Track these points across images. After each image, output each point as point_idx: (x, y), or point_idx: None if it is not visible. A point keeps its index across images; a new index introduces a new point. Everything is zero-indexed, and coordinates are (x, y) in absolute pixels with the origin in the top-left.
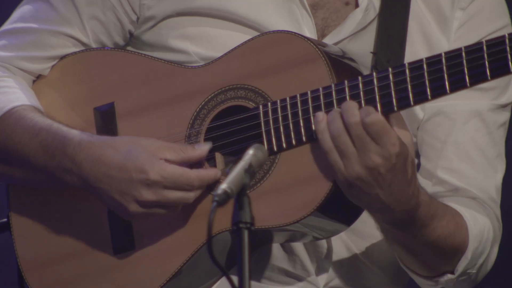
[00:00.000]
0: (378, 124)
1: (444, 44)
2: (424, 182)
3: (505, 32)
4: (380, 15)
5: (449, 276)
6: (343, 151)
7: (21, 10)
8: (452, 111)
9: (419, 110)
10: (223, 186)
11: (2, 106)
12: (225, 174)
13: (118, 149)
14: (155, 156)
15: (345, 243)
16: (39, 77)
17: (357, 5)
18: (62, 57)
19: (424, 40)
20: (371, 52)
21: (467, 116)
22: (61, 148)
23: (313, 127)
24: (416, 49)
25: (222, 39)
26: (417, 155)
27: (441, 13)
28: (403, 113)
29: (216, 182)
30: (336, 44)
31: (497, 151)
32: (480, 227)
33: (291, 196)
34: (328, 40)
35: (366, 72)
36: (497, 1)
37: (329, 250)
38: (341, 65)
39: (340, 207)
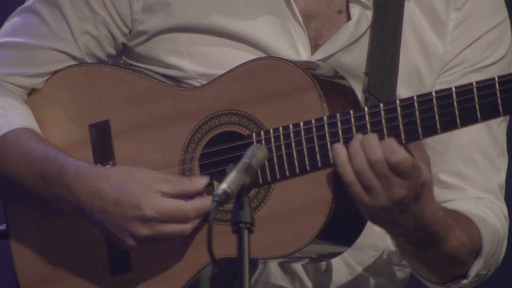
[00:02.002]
0: (405, 163)
1: (439, 48)
2: None
3: (502, 28)
4: (372, 26)
5: (463, 281)
6: (368, 186)
7: (12, 23)
8: None
9: None
10: (223, 186)
11: None
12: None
13: (113, 182)
14: (150, 189)
15: (343, 258)
16: (33, 90)
17: (349, 14)
18: (57, 71)
19: (419, 45)
20: (364, 73)
21: None
22: (58, 178)
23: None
24: (411, 54)
25: (215, 55)
26: None
27: (436, 16)
28: None
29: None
30: (329, 57)
31: (499, 148)
32: (491, 231)
33: (287, 227)
34: (321, 53)
35: (358, 87)
36: None
37: (328, 266)
38: (332, 90)
39: (337, 233)
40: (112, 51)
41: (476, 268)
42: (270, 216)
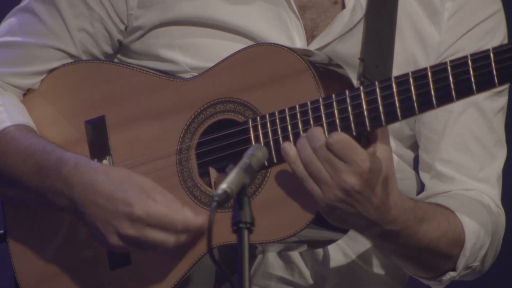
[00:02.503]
0: (341, 142)
1: (435, 37)
2: (423, 174)
3: (497, 18)
4: (367, 15)
5: (451, 274)
6: (317, 177)
7: (9, 23)
8: None
9: None
10: (223, 186)
11: None
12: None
13: (112, 178)
14: (145, 193)
15: (341, 248)
16: (29, 90)
17: (344, 4)
18: (52, 70)
19: (415, 34)
20: (359, 58)
21: (463, 106)
22: (55, 169)
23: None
24: (407, 44)
25: (210, 48)
26: (415, 147)
27: (431, 5)
28: None
29: (208, 197)
30: (324, 46)
31: (496, 138)
32: (477, 222)
33: (284, 211)
34: (317, 43)
35: (354, 76)
36: None
37: (326, 256)
38: (328, 76)
39: None
40: (108, 49)
41: (462, 260)
42: (267, 201)
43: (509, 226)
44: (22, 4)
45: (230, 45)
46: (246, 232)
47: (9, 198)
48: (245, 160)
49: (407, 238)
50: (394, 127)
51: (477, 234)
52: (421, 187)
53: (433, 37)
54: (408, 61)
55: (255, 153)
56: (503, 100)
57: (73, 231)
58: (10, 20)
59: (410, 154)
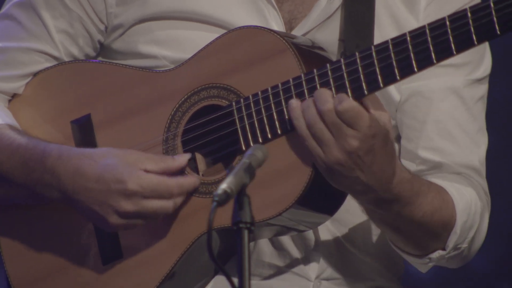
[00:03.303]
0: (352, 111)
1: (413, 24)
2: (407, 163)
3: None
4: (344, 3)
5: (440, 252)
6: (320, 138)
7: None
8: (428, 90)
9: (395, 92)
10: (223, 186)
11: None
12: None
13: (97, 160)
14: (134, 166)
15: (332, 233)
16: (14, 96)
17: None
18: (35, 74)
19: (392, 22)
20: (339, 40)
21: (443, 94)
22: (41, 161)
23: (287, 116)
24: (385, 32)
25: (191, 40)
26: (398, 138)
27: None
28: (379, 96)
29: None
30: (304, 35)
31: (478, 125)
32: (466, 201)
33: (271, 190)
34: (296, 32)
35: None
36: None
37: (317, 242)
38: (310, 55)
39: (320, 197)
40: (89, 50)
41: (453, 238)
42: (255, 180)
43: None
44: (2, 11)
45: (211, 37)
46: (246, 232)
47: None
48: (245, 160)
49: (401, 209)
50: None
51: (467, 212)
52: None
53: (411, 24)
54: None
55: (255, 153)
56: (483, 88)
57: (63, 229)
58: None
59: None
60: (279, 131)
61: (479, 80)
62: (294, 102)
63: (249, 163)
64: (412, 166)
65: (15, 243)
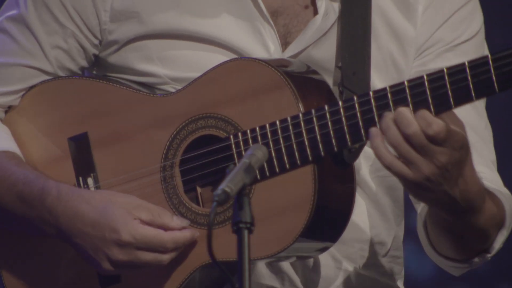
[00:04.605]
0: (442, 132)
1: (410, 32)
2: None
3: (471, 6)
4: (340, 18)
5: (487, 255)
6: (408, 158)
7: None
8: None
9: None
10: (223, 186)
11: None
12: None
13: (94, 205)
14: (130, 215)
15: (330, 252)
16: (10, 107)
17: (316, 8)
18: (32, 87)
19: (390, 32)
20: (336, 66)
21: None
22: (39, 199)
23: (285, 155)
24: (383, 42)
25: (187, 59)
26: None
27: (404, 0)
28: None
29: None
30: (299, 53)
31: (484, 122)
32: (510, 202)
33: (271, 227)
34: (291, 50)
35: (330, 80)
36: None
37: (316, 262)
38: (306, 86)
39: (322, 229)
40: (84, 63)
41: (500, 240)
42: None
43: None
44: None
45: (206, 55)
46: (246, 232)
47: None
48: (245, 160)
49: (472, 217)
50: None
51: (511, 214)
52: None
53: (407, 31)
54: (386, 59)
55: (255, 153)
56: None
57: (62, 251)
58: None
59: None
60: (277, 170)
61: None
62: (375, 131)
63: (249, 163)
64: None
65: (14, 264)
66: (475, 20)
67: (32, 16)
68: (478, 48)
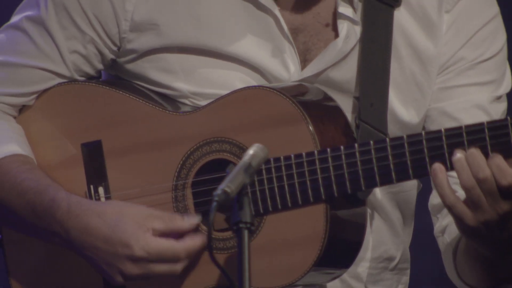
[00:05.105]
0: None
1: (432, 51)
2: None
3: (494, 24)
4: (361, 41)
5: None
6: (475, 203)
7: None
8: (455, 110)
9: (412, 115)
10: (223, 186)
11: None
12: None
13: (105, 219)
14: (142, 227)
15: None
16: (24, 106)
17: (336, 27)
18: (48, 87)
19: (412, 53)
20: (354, 97)
21: (471, 112)
22: (50, 211)
23: (298, 190)
24: (405, 63)
25: (206, 74)
26: None
27: (428, 19)
28: (394, 123)
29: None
30: (318, 74)
31: None
32: None
33: (280, 259)
34: (310, 70)
35: (349, 102)
36: None
37: (323, 286)
38: (323, 121)
39: (332, 262)
40: (100, 66)
41: None
42: (263, 247)
43: None
44: (14, 20)
45: (225, 72)
46: (246, 232)
47: (7, 227)
48: (245, 160)
49: (510, 254)
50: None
51: None
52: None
53: (430, 51)
54: (408, 80)
55: (256, 153)
56: (504, 104)
57: (69, 257)
58: (1, 37)
59: None
60: (289, 204)
61: (499, 97)
62: (439, 167)
63: (249, 163)
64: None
65: (21, 257)
66: (498, 38)
67: (52, 19)
68: (499, 67)
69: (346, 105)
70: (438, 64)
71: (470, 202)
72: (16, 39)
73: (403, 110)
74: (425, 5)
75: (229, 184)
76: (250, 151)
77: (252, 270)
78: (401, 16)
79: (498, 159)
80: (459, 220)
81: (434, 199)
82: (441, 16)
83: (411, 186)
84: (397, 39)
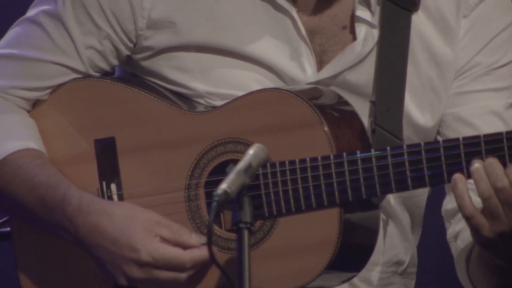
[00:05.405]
0: None
1: (449, 56)
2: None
3: (510, 30)
4: (378, 44)
5: None
6: (492, 213)
7: (16, 33)
8: (469, 115)
9: (427, 119)
10: (223, 186)
11: None
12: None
13: (115, 220)
14: (150, 232)
15: None
16: (38, 100)
17: (353, 30)
18: (63, 82)
19: (429, 57)
20: (370, 101)
21: (486, 118)
22: (60, 208)
23: (312, 194)
24: (421, 68)
25: (221, 74)
26: None
27: (445, 23)
28: (409, 126)
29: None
30: (335, 76)
31: None
32: None
33: (292, 262)
34: (327, 72)
35: (365, 104)
36: (500, 1)
37: None
38: (339, 126)
39: (344, 265)
40: (116, 62)
41: None
42: (274, 250)
43: None
44: (30, 14)
45: (241, 72)
46: (246, 232)
47: (17, 221)
48: (245, 160)
49: None
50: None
51: None
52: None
53: (447, 56)
54: (424, 85)
55: (256, 153)
56: None
57: (79, 253)
58: (17, 30)
59: None
60: (303, 207)
61: None
62: (460, 177)
63: (250, 163)
64: None
65: (30, 251)
66: None
67: (69, 15)
68: None
69: (362, 108)
70: (454, 69)
71: (488, 211)
72: (32, 33)
73: (419, 114)
74: (443, 10)
75: (229, 184)
76: (250, 151)
77: (263, 272)
78: (418, 20)
79: None
80: (475, 231)
81: (448, 204)
82: (459, 21)
83: (423, 191)
84: (415, 43)
